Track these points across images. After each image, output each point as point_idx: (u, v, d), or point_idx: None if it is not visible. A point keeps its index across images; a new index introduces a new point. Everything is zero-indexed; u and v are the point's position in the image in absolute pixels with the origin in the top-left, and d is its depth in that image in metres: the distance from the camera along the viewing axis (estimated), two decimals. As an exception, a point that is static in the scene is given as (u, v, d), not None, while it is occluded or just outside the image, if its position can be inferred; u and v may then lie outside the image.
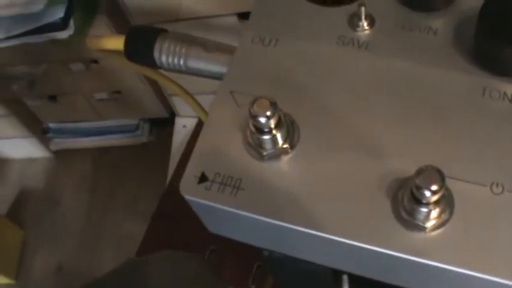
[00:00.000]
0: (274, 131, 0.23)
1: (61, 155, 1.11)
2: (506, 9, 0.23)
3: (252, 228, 0.24)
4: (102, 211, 1.06)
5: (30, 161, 1.12)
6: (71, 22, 0.82)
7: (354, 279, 0.30)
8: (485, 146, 0.22)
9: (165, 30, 0.31)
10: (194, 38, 0.29)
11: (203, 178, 0.24)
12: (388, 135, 0.23)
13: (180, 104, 0.93)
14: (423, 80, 0.24)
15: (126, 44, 0.31)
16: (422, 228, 0.21)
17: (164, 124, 1.01)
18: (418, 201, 0.20)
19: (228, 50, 0.28)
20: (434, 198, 0.20)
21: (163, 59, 0.30)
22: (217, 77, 0.29)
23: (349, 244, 0.22)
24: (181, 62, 0.29)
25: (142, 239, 0.83)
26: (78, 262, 1.05)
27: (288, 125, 0.23)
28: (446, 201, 0.21)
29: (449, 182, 0.21)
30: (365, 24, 0.26)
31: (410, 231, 0.21)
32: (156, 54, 0.30)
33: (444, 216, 0.21)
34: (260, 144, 0.23)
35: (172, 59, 0.30)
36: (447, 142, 0.23)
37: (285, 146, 0.23)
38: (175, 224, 0.77)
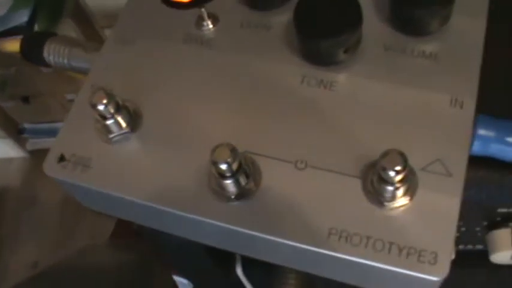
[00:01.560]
0: (115, 116, 0.27)
1: (37, 155, 1.16)
2: (316, 7, 0.26)
3: (109, 202, 0.28)
4: (76, 209, 1.10)
5: (7, 160, 1.17)
6: (36, 26, 0.86)
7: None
8: (296, 126, 0.26)
9: (55, 34, 0.35)
10: (77, 41, 0.34)
11: (62, 158, 0.28)
12: (214, 123, 0.27)
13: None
14: (255, 71, 0.28)
15: (21, 46, 0.35)
16: (227, 200, 0.25)
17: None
18: (224, 176, 0.24)
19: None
20: (235, 168, 0.24)
21: (51, 58, 0.34)
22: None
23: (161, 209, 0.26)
24: (66, 61, 0.34)
25: (112, 230, 0.87)
26: (54, 259, 1.09)
27: (129, 111, 0.27)
28: (253, 176, 0.25)
29: (258, 158, 0.25)
30: (209, 23, 0.30)
31: (219, 201, 0.25)
32: (45, 55, 0.34)
33: (251, 187, 0.25)
34: (106, 129, 0.27)
35: (58, 59, 0.34)
36: (262, 126, 0.26)
37: (126, 130, 0.27)
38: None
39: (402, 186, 0.23)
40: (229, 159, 0.23)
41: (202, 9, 0.29)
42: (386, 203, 0.24)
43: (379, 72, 0.27)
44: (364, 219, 0.24)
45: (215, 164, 0.24)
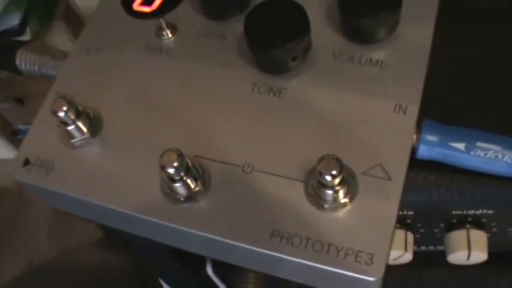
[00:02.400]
0: (76, 122, 0.29)
1: (32, 156, 1.18)
2: (265, 18, 0.28)
3: (71, 203, 0.30)
4: (71, 210, 1.12)
5: (2, 162, 1.19)
6: (28, 29, 0.88)
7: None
8: (245, 132, 0.28)
9: (27, 43, 0.37)
10: (46, 48, 0.36)
11: (26, 162, 0.30)
12: (168, 128, 0.29)
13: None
14: (209, 79, 0.30)
15: (-5, 54, 0.37)
16: (177, 202, 0.26)
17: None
18: (173, 180, 0.26)
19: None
20: (182, 172, 0.25)
21: (23, 66, 0.36)
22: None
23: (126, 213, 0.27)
24: (36, 68, 0.36)
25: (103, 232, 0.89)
26: (48, 258, 1.11)
27: (90, 117, 0.29)
28: (202, 179, 0.27)
29: (207, 162, 0.27)
30: (168, 32, 0.31)
31: (171, 203, 0.27)
32: (17, 62, 0.36)
33: (199, 189, 0.26)
34: (68, 134, 0.29)
35: (30, 66, 0.36)
36: (213, 131, 0.28)
37: (87, 135, 0.29)
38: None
39: (341, 189, 0.25)
40: (175, 164, 0.25)
41: (161, 20, 0.31)
42: (326, 206, 0.25)
43: (327, 80, 0.29)
44: (306, 221, 0.25)
45: (163, 168, 0.25)
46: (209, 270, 0.41)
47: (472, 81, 0.35)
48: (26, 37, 0.88)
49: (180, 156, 0.25)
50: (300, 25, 0.27)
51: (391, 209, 0.25)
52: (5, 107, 1.10)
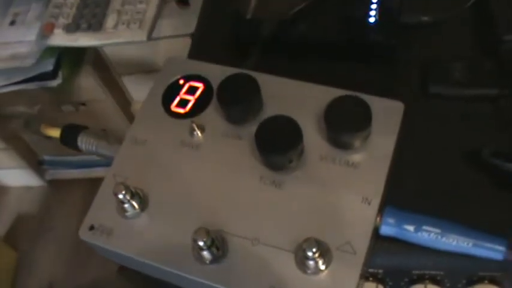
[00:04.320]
0: (130, 201, 0.41)
1: (55, 184, 1.31)
2: (269, 131, 0.40)
3: (125, 259, 0.42)
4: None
5: (27, 189, 1.33)
6: (60, 73, 1.01)
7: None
8: (254, 214, 0.40)
9: (86, 128, 0.49)
10: (102, 134, 0.48)
11: (92, 227, 0.42)
12: (198, 207, 0.41)
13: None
14: (228, 169, 0.42)
15: (61, 135, 0.50)
16: (206, 263, 0.39)
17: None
18: (201, 249, 0.38)
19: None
20: (209, 244, 0.38)
21: (83, 147, 0.49)
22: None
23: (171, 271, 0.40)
24: (94, 149, 0.48)
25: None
26: (67, 281, 1.24)
27: (140, 196, 0.42)
28: (222, 248, 0.39)
29: (226, 235, 0.39)
30: (198, 132, 0.44)
31: (200, 264, 0.39)
32: (78, 143, 0.49)
33: (220, 255, 0.39)
34: (124, 209, 0.42)
35: (88, 147, 0.48)
36: (231, 211, 0.40)
37: (138, 210, 0.41)
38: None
39: (320, 260, 0.37)
40: (204, 239, 0.37)
41: (193, 124, 0.43)
42: (308, 271, 0.37)
43: (314, 177, 0.41)
44: (293, 281, 0.37)
45: (195, 241, 0.37)
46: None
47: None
48: (58, 81, 1.02)
49: (208, 233, 0.37)
50: (295, 138, 0.40)
51: (355, 274, 0.37)
52: (34, 139, 1.24)
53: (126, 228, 0.42)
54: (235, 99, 0.42)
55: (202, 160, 0.43)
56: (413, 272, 0.46)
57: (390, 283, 0.48)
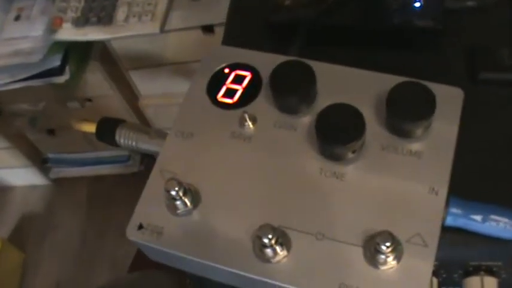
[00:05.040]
0: (183, 198, 0.38)
1: (59, 183, 1.28)
2: (331, 120, 0.38)
3: (175, 259, 0.40)
4: (96, 234, 1.22)
5: (31, 188, 1.29)
6: (67, 69, 0.98)
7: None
8: (316, 207, 0.38)
9: (124, 121, 0.46)
10: (142, 127, 0.45)
11: (140, 226, 0.40)
12: (254, 202, 0.38)
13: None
14: (284, 162, 0.40)
15: (97, 129, 0.47)
16: (267, 262, 0.36)
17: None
18: (265, 246, 0.36)
19: (166, 137, 0.44)
20: (273, 242, 0.35)
21: (122, 141, 0.46)
22: (159, 155, 0.44)
23: (226, 270, 0.37)
24: (133, 144, 0.45)
25: (133, 258, 0.99)
26: (74, 280, 1.21)
27: (192, 193, 0.39)
28: (286, 244, 0.36)
29: (288, 231, 0.37)
30: (250, 123, 0.41)
31: (262, 262, 0.36)
32: (116, 137, 0.46)
33: (284, 252, 0.36)
34: (175, 206, 0.39)
35: (127, 142, 0.45)
36: (291, 206, 0.38)
37: (190, 207, 0.39)
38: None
39: (391, 254, 0.35)
40: (270, 236, 0.35)
41: (246, 115, 0.40)
42: (379, 266, 0.35)
43: (377, 167, 0.38)
44: (363, 277, 0.35)
45: (259, 238, 0.35)
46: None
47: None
48: (65, 77, 0.99)
49: (273, 229, 0.35)
50: (358, 127, 0.37)
51: (427, 269, 0.35)
52: (38, 137, 1.20)
53: (177, 227, 0.39)
54: (292, 88, 0.40)
55: (256, 152, 0.40)
56: (470, 263, 0.44)
57: (444, 275, 0.46)
